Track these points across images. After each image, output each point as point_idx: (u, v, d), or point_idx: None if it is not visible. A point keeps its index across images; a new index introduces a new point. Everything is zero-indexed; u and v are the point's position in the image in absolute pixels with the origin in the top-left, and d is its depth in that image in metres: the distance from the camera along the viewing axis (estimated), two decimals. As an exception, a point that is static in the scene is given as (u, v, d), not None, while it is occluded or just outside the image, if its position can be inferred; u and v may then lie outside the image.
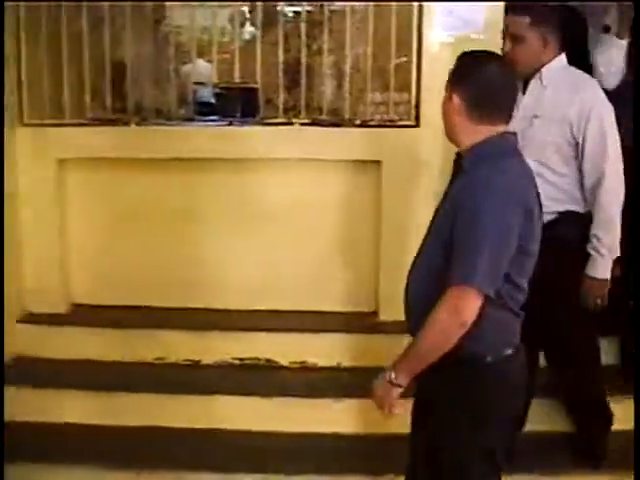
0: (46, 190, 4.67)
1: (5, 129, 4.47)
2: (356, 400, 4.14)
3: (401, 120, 4.52)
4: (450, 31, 4.33)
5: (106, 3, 4.61)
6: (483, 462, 2.67)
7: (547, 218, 3.36)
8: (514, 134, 2.68)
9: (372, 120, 4.56)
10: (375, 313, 4.66)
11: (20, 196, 4.64)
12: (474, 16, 4.28)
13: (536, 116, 3.57)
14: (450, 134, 2.68)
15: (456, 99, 2.58)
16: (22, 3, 4.54)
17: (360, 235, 4.65)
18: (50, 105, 4.71)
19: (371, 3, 4.46)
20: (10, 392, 4.25)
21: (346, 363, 4.49)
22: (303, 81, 4.55)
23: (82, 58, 4.67)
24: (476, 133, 2.58)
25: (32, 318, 4.72)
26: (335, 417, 4.19)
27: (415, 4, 4.37)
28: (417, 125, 4.47)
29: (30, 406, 4.28)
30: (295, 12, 4.90)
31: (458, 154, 2.68)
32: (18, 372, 4.45)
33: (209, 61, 4.90)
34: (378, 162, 4.50)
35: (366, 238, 4.64)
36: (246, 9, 5.22)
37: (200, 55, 4.97)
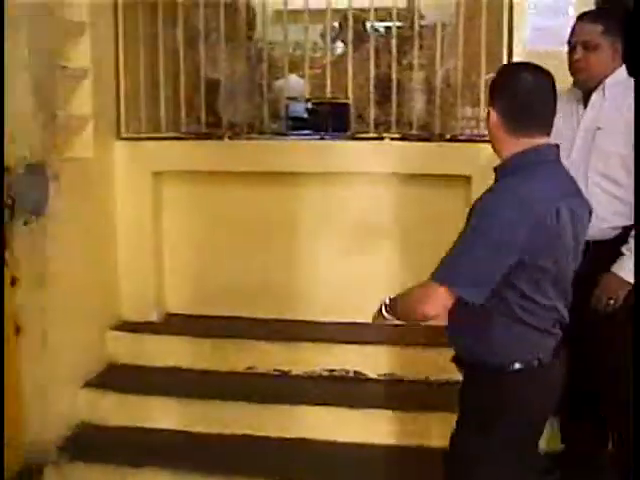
0: (142, 202, 4.81)
1: (103, 142, 4.62)
2: (442, 414, 4.11)
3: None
4: (539, 46, 4.33)
5: (201, 19, 4.72)
6: (489, 466, 2.68)
7: (612, 234, 3.35)
8: (556, 146, 2.61)
9: (462, 135, 4.56)
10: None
11: (117, 207, 4.78)
12: (563, 31, 4.26)
13: (599, 128, 3.45)
14: (494, 148, 2.68)
15: (493, 113, 2.56)
16: (120, 18, 4.71)
17: (443, 249, 4.63)
18: (146, 119, 4.85)
19: (461, 18, 4.48)
20: (102, 397, 4.43)
21: (434, 377, 4.49)
22: (394, 96, 4.57)
23: (178, 73, 4.80)
24: (516, 146, 2.55)
25: (126, 326, 4.85)
26: (421, 430, 4.19)
27: (505, 19, 4.37)
28: (506, 139, 4.45)
29: (121, 411, 4.39)
30: (386, 27, 4.94)
31: (495, 168, 2.69)
32: (110, 378, 4.58)
33: (301, 76, 4.97)
34: (468, 177, 4.50)
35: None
36: (337, 24, 5.26)
37: (292, 70, 5.04)
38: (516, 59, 4.36)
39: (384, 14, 4.92)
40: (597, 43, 3.44)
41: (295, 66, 5.05)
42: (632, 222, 3.34)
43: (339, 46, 5.55)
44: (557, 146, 2.60)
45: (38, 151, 3.89)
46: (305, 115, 4.66)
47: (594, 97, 3.50)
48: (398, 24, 4.75)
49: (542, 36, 4.32)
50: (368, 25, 4.92)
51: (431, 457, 4.06)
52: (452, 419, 4.05)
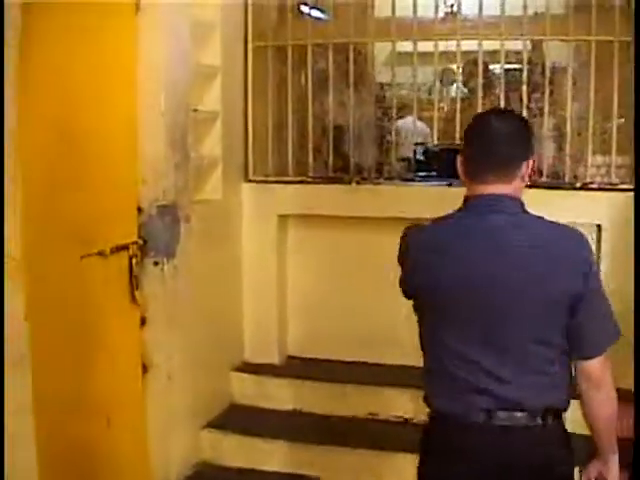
0: (267, 244, 4.85)
1: (231, 184, 4.68)
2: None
3: (622, 183, 4.41)
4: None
5: (330, 63, 4.75)
6: None
7: None
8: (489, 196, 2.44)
9: (593, 183, 4.46)
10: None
11: (242, 249, 4.83)
12: None
13: None
14: None
15: (459, 156, 2.52)
16: (250, 62, 4.79)
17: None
18: (274, 162, 4.90)
19: (592, 63, 4.40)
20: (223, 438, 4.44)
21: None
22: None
23: (306, 116, 4.84)
24: (468, 191, 2.50)
25: (248, 368, 4.87)
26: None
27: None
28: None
29: (241, 453, 4.40)
30: (511, 70, 4.88)
31: None
32: (232, 419, 4.60)
33: (420, 119, 4.95)
34: (598, 226, 4.40)
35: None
36: (455, 67, 5.22)
37: (410, 113, 5.01)
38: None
39: (511, 58, 4.88)
40: None
41: (412, 109, 5.00)
42: None
43: (456, 89, 5.52)
44: (490, 197, 2.44)
45: (170, 193, 3.96)
46: (433, 160, 4.62)
47: None
48: (517, 66, 4.69)
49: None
50: (492, 67, 4.89)
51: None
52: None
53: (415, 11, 4.60)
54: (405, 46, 4.74)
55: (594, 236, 4.40)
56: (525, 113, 4.52)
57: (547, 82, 4.54)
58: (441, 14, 4.76)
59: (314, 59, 4.84)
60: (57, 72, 3.22)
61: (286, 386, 4.71)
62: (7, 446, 2.76)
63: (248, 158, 4.87)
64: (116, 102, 3.72)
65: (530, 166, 2.46)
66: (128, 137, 3.82)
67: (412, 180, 4.70)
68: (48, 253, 3.18)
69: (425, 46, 4.72)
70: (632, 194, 4.30)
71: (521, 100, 4.54)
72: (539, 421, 2.36)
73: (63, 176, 3.29)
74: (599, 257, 4.40)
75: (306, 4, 4.99)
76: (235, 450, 4.39)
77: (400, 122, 5.06)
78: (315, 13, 4.99)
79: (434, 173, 4.65)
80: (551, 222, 2.47)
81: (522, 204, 2.48)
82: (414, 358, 4.71)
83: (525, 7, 4.46)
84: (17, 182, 2.81)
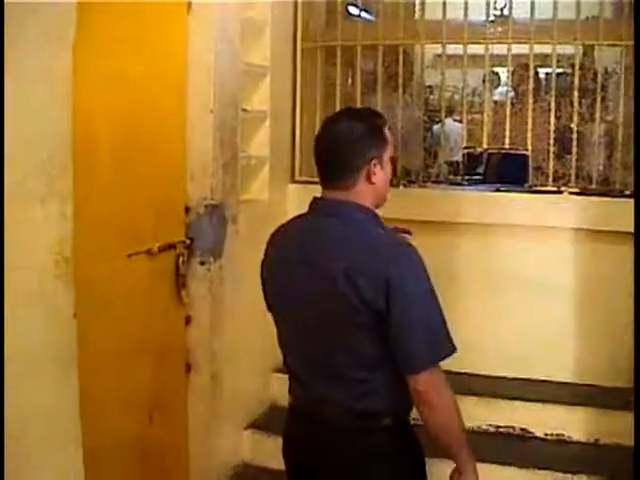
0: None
1: (278, 185, 4.68)
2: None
3: (674, 192, 4.34)
4: None
5: (380, 64, 4.73)
6: None
7: None
8: (323, 199, 2.47)
9: (643, 191, 4.40)
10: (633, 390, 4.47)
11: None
12: None
13: None
14: None
15: None
16: (299, 62, 4.79)
17: (618, 308, 4.48)
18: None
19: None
20: (265, 439, 4.42)
21: (604, 440, 4.32)
22: (574, 149, 4.47)
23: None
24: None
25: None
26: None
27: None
28: (689, 198, 4.28)
29: (280, 454, 4.36)
30: (565, 74, 4.83)
31: None
32: (273, 421, 4.52)
33: (458, 121, 4.91)
34: (648, 235, 4.35)
35: (624, 311, 4.46)
36: (501, 70, 5.18)
37: (458, 115, 4.99)
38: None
39: (562, 62, 4.83)
40: None
41: (460, 112, 4.98)
42: None
43: (501, 92, 5.48)
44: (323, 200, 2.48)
45: (218, 192, 3.95)
46: (482, 165, 4.59)
47: None
48: (558, 71, 4.64)
49: None
50: (542, 72, 4.84)
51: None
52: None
53: (466, 14, 4.57)
54: (454, 49, 4.71)
55: None
56: (576, 119, 4.48)
57: (599, 88, 4.50)
58: (492, 17, 4.72)
59: (363, 61, 4.81)
60: (109, 71, 3.21)
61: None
62: (56, 446, 2.77)
63: (295, 159, 4.85)
64: (167, 100, 3.72)
65: (375, 168, 2.39)
66: (178, 135, 3.82)
67: (459, 184, 4.67)
68: (96, 251, 3.17)
69: (473, 49, 4.68)
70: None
71: (572, 105, 4.49)
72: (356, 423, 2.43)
73: (112, 172, 3.29)
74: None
75: (355, 5, 4.97)
76: (277, 452, 4.35)
77: (436, 127, 5.05)
78: (364, 14, 4.97)
79: (481, 177, 4.63)
80: (370, 232, 2.41)
81: (361, 209, 2.42)
82: (455, 365, 4.72)
83: (578, 11, 4.41)
84: (67, 177, 2.80)
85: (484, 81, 5.09)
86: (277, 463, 4.29)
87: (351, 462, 2.47)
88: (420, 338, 2.30)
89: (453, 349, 2.35)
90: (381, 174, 2.43)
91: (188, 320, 3.95)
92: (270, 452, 4.37)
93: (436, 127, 5.18)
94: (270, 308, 2.71)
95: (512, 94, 4.71)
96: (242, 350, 4.28)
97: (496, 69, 5.29)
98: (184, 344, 3.96)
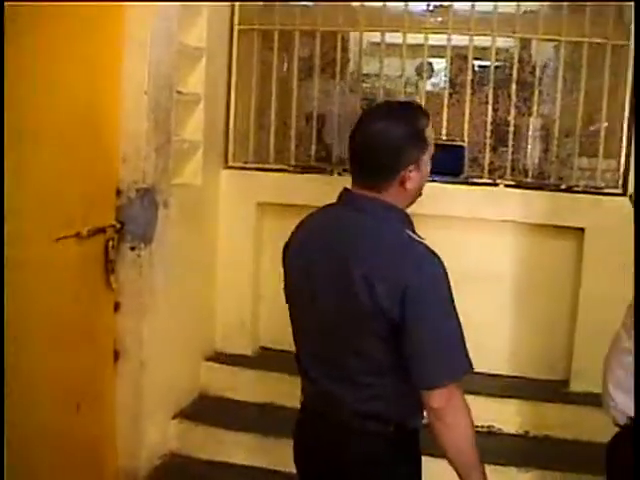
0: (243, 231, 4.75)
1: (210, 170, 4.58)
2: (541, 471, 4.00)
3: (607, 188, 4.37)
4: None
5: (317, 50, 4.67)
6: None
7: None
8: (353, 192, 2.38)
9: (577, 186, 4.42)
10: (566, 382, 4.51)
11: (218, 237, 4.74)
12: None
13: None
14: None
15: None
16: (235, 45, 4.69)
17: (557, 302, 4.53)
18: (254, 149, 4.80)
19: (584, 64, 4.35)
20: (192, 429, 4.36)
21: (534, 432, 4.34)
22: (510, 142, 4.46)
23: (290, 104, 4.74)
24: None
25: (220, 358, 4.78)
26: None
27: (631, 67, 4.24)
28: (624, 194, 4.31)
29: (210, 445, 4.33)
30: (504, 67, 4.81)
31: None
32: (202, 410, 4.52)
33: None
34: (581, 229, 4.37)
35: (563, 305, 4.51)
36: (435, 61, 5.14)
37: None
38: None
39: (500, 55, 4.83)
40: None
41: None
42: None
43: (434, 83, 5.44)
44: (348, 191, 2.41)
45: (150, 175, 3.86)
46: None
47: None
48: (496, 64, 4.63)
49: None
50: (481, 64, 4.83)
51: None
52: (553, 477, 3.96)
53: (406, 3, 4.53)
54: (392, 37, 4.64)
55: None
56: (513, 112, 4.48)
57: (536, 81, 4.50)
58: (432, 7, 4.68)
59: (300, 46, 4.74)
60: (40, 50, 3.09)
61: (258, 378, 4.63)
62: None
63: (228, 144, 4.75)
64: (100, 80, 3.60)
65: (410, 174, 2.30)
66: (111, 116, 3.71)
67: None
68: (23, 235, 3.06)
69: (410, 39, 4.63)
70: (617, 198, 4.29)
71: (509, 98, 4.48)
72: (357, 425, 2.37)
73: (41, 153, 3.16)
74: (581, 261, 4.38)
75: (294, -11, 4.89)
76: (205, 441, 4.31)
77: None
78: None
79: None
80: (397, 235, 2.30)
81: (392, 210, 2.34)
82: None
83: (518, 5, 4.41)
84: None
85: (418, 72, 5.06)
86: (205, 453, 4.29)
87: (349, 463, 2.41)
88: (435, 354, 2.21)
89: (470, 367, 2.24)
90: (417, 178, 2.32)
91: (117, 306, 3.85)
92: (198, 442, 4.32)
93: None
94: (287, 299, 2.56)
95: (449, 85, 4.66)
96: (172, 337, 4.19)
97: (430, 60, 5.23)
98: (113, 331, 3.86)
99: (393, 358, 2.26)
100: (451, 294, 2.23)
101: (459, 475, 2.32)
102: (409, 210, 2.42)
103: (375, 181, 2.31)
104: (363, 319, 2.24)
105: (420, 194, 2.42)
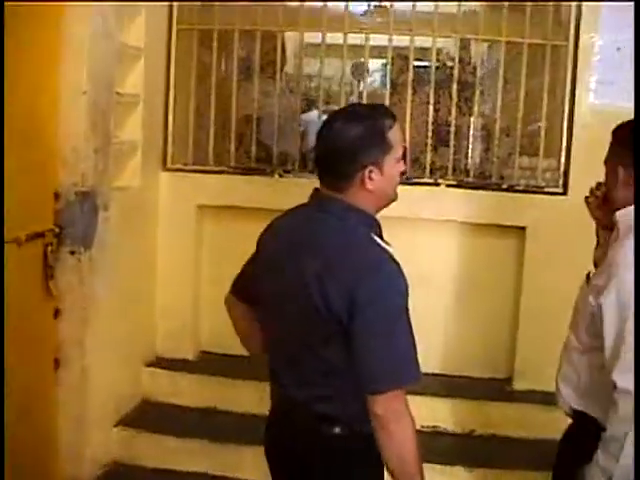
0: (183, 234, 4.69)
1: (149, 172, 4.51)
2: (488, 470, 4.03)
3: (548, 187, 4.40)
4: (603, 100, 4.24)
5: (257, 51, 4.61)
6: None
7: None
8: (320, 193, 2.38)
9: (518, 185, 4.44)
10: (509, 380, 4.54)
11: (158, 240, 4.66)
12: (628, 86, 4.16)
13: None
14: None
15: None
16: (173, 45, 4.61)
17: (500, 300, 4.56)
18: (194, 151, 4.73)
19: (523, 67, 4.37)
20: (135, 436, 4.28)
21: (479, 430, 4.36)
22: (452, 142, 4.47)
23: (229, 105, 4.68)
24: None
25: (161, 363, 4.70)
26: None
27: (569, 69, 4.28)
28: (564, 193, 4.35)
29: (153, 452, 4.25)
30: (442, 67, 4.83)
31: None
32: (144, 417, 4.45)
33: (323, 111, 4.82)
34: (523, 228, 4.40)
35: (506, 304, 4.54)
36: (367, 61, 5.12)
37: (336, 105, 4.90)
38: (578, 111, 4.28)
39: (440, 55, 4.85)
40: None
41: (329, 101, 4.91)
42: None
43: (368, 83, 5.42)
44: (318, 190, 2.40)
45: (90, 178, 3.77)
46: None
47: None
48: (437, 65, 4.63)
49: (606, 90, 4.23)
50: (421, 64, 4.83)
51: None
52: (498, 475, 3.97)
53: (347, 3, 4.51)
54: (334, 38, 4.62)
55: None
56: (454, 112, 4.48)
57: (477, 81, 4.52)
58: (372, 7, 4.67)
59: (240, 46, 4.68)
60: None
61: (200, 383, 4.57)
62: None
63: (167, 145, 4.67)
64: (37, 79, 3.50)
65: (372, 174, 2.26)
66: (48, 116, 3.61)
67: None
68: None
69: (352, 39, 4.60)
70: (558, 197, 4.32)
71: (450, 98, 4.49)
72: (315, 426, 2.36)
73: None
74: (523, 260, 4.41)
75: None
76: (148, 449, 4.23)
77: (304, 116, 4.96)
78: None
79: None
80: (356, 236, 2.28)
81: (354, 211, 2.31)
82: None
83: (459, 5, 4.42)
84: None
85: (352, 72, 5.05)
86: (148, 460, 4.21)
87: (308, 464, 2.40)
88: (381, 360, 2.18)
89: (418, 377, 2.21)
90: (379, 179, 2.28)
91: (57, 313, 3.76)
92: (141, 449, 4.25)
93: (304, 116, 5.07)
94: (257, 301, 2.53)
95: (390, 86, 4.64)
96: (113, 344, 4.09)
97: (368, 60, 5.21)
98: (53, 338, 3.76)
99: (345, 359, 2.23)
100: (406, 303, 2.21)
101: None
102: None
103: (336, 181, 2.31)
104: (316, 319, 2.23)
105: (394, 198, 2.41)
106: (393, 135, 2.31)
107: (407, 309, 2.22)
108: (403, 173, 2.41)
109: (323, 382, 2.34)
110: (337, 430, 2.34)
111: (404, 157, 2.39)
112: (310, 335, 2.29)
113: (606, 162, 2.57)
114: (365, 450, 2.36)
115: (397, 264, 2.23)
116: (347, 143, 2.25)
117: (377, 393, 2.17)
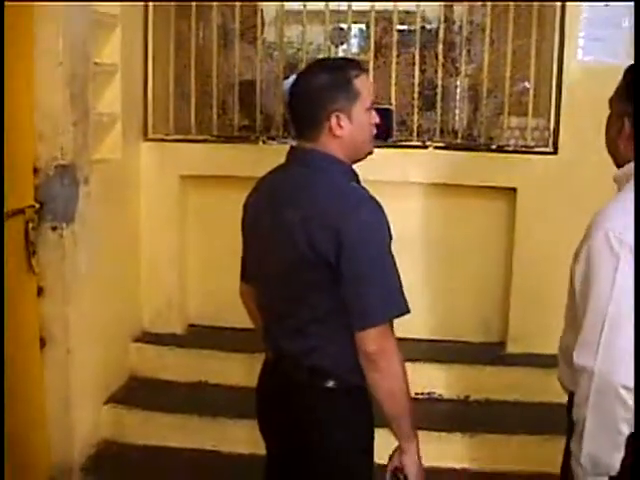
0: (167, 206, 4.60)
1: (130, 143, 4.40)
2: (486, 435, 4.00)
3: (537, 147, 4.32)
4: (592, 57, 4.16)
5: (237, 17, 4.51)
6: None
7: None
8: (295, 148, 2.44)
9: (508, 146, 4.36)
10: (503, 344, 4.49)
11: (141, 213, 4.57)
12: (617, 44, 4.09)
13: None
14: None
15: None
16: (150, 12, 4.49)
17: (491, 263, 4.51)
18: (175, 120, 4.62)
19: (510, 25, 4.28)
20: (126, 414, 4.23)
21: (475, 396, 4.33)
22: (439, 104, 4.37)
23: (210, 73, 4.58)
24: None
25: (148, 338, 4.63)
26: (461, 452, 4.00)
27: (557, 28, 4.19)
28: (555, 152, 4.28)
29: (144, 429, 4.20)
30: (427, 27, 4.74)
31: None
32: (134, 393, 4.39)
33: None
34: (513, 189, 4.33)
35: (497, 267, 4.49)
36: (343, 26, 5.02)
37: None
38: (567, 69, 4.19)
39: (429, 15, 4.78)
40: None
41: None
42: None
43: (343, 49, 5.33)
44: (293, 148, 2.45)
45: (69, 151, 3.66)
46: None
47: None
48: (425, 25, 4.58)
49: (595, 47, 4.15)
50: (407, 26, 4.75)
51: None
52: (494, 440, 3.92)
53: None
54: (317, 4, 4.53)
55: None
56: (440, 72, 4.39)
57: (463, 41, 4.42)
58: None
59: (220, 12, 4.57)
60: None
61: (189, 356, 4.52)
62: None
63: (148, 116, 4.56)
64: (11, 50, 3.35)
65: (340, 121, 2.30)
66: (24, 89, 3.49)
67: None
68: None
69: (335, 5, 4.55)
70: (548, 157, 4.26)
71: (436, 59, 4.39)
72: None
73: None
74: (514, 221, 4.34)
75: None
76: (139, 426, 4.18)
77: (287, 82, 4.86)
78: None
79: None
80: (335, 182, 2.32)
81: (329, 160, 2.35)
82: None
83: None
84: None
85: (331, 38, 4.96)
86: (139, 438, 4.14)
87: (298, 419, 2.42)
88: (370, 292, 2.22)
89: (406, 308, 2.26)
90: (349, 128, 2.34)
91: (40, 291, 3.66)
92: (131, 427, 4.20)
93: (287, 82, 4.98)
94: (245, 262, 2.63)
95: (374, 48, 4.53)
96: (99, 320, 4.01)
97: (348, 25, 5.12)
98: (37, 317, 3.67)
99: (335, 306, 2.27)
100: (390, 238, 2.26)
101: (392, 426, 2.32)
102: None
103: (307, 130, 2.37)
104: (304, 267, 2.28)
105: (369, 150, 2.49)
106: (360, 83, 2.36)
107: (390, 244, 2.27)
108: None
109: (315, 332, 2.36)
110: (330, 384, 2.37)
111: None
112: (299, 285, 2.33)
113: (611, 103, 2.32)
114: (358, 404, 2.41)
115: (377, 201, 2.29)
116: (314, 90, 2.33)
117: (368, 327, 2.21)
